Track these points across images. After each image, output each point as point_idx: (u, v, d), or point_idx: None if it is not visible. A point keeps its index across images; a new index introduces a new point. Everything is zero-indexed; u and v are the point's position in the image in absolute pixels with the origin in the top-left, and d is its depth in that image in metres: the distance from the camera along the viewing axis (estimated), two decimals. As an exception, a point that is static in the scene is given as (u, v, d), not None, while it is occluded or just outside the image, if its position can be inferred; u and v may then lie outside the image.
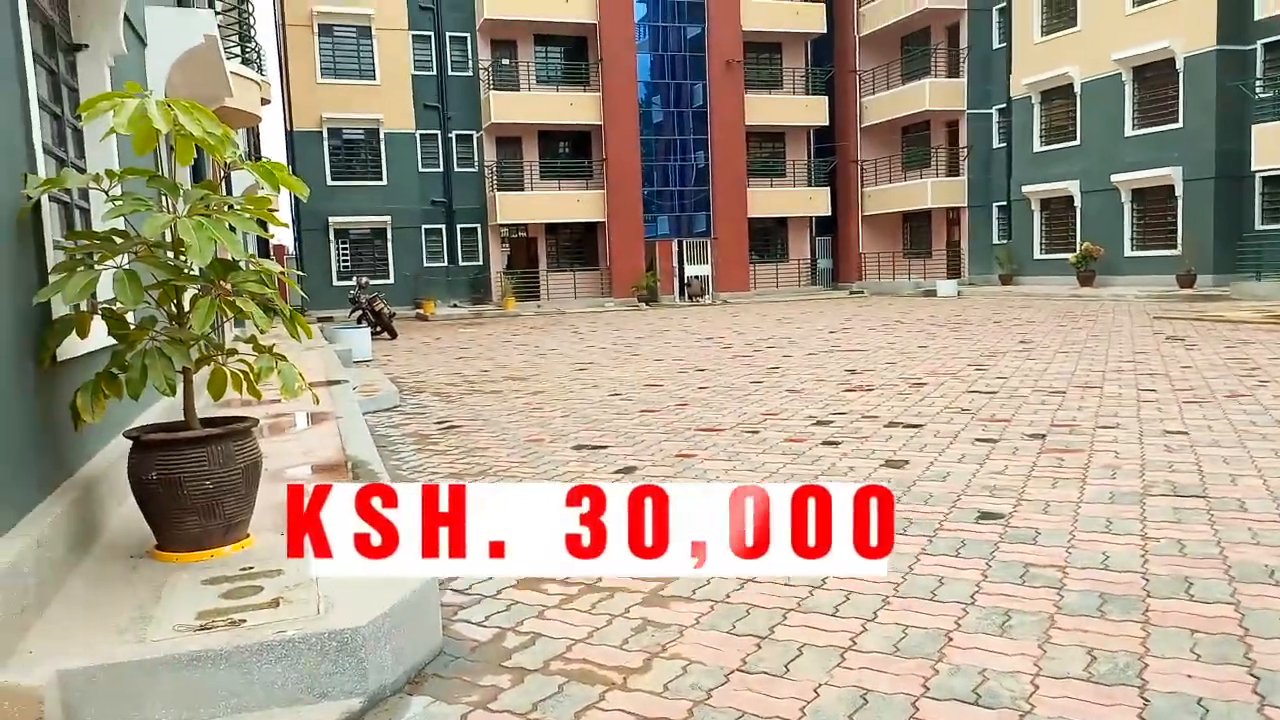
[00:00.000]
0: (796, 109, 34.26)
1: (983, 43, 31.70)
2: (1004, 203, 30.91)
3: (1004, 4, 30.20)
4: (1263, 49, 22.90)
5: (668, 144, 32.80)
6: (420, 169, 30.92)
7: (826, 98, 34.72)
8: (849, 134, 35.70)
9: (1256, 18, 22.38)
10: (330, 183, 29.68)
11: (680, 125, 32.92)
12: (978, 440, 6.23)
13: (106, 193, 3.43)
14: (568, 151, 32.82)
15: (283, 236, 28.88)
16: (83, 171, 4.53)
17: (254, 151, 27.82)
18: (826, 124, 34.83)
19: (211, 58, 7.65)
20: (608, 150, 31.26)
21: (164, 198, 3.49)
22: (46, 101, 4.30)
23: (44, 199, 3.59)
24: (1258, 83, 22.84)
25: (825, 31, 34.40)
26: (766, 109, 33.57)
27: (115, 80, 5.23)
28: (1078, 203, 27.35)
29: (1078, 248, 26.60)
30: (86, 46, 4.83)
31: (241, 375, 3.73)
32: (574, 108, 31.14)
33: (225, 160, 3.57)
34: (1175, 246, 24.17)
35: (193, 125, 3.32)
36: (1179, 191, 24.23)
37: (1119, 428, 6.48)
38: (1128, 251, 25.91)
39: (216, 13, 10.83)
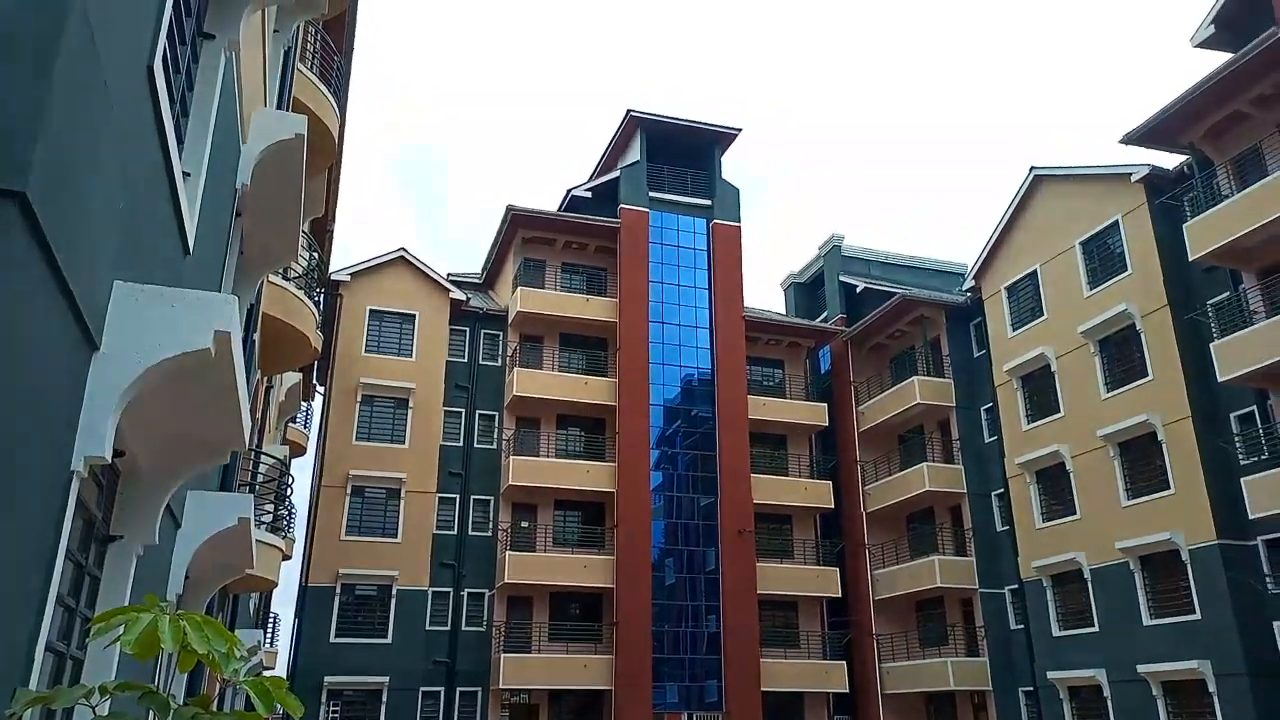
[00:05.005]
0: (808, 579, 34.44)
1: (987, 525, 32.68)
2: (1030, 688, 29.50)
3: (1001, 490, 31.62)
4: (1264, 545, 23.14)
5: (680, 609, 32.49)
6: (428, 627, 30.36)
7: (838, 569, 35.04)
8: (863, 607, 35.41)
9: (1250, 516, 22.35)
10: (334, 639, 29.02)
11: (693, 590, 32.89)
12: None
13: (94, 709, 3.30)
14: (578, 613, 32.45)
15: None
16: (78, 672, 4.43)
17: (264, 608, 27.69)
18: (839, 595, 34.72)
19: (242, 534, 7.92)
20: (619, 614, 30.91)
21: (152, 714, 3.35)
22: (64, 596, 4.35)
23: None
24: (1268, 579, 22.83)
25: (832, 507, 35.83)
26: (779, 577, 33.76)
27: (141, 564, 5.35)
28: (1107, 693, 26.00)
29: (1117, 743, 24.77)
30: (121, 538, 5.01)
31: None
32: (587, 569, 31.43)
33: (224, 676, 3.49)
34: (1224, 750, 22.44)
35: (199, 643, 3.27)
36: (1212, 688, 23.07)
37: None
38: (1172, 752, 24.02)
39: (255, 484, 11.48)
